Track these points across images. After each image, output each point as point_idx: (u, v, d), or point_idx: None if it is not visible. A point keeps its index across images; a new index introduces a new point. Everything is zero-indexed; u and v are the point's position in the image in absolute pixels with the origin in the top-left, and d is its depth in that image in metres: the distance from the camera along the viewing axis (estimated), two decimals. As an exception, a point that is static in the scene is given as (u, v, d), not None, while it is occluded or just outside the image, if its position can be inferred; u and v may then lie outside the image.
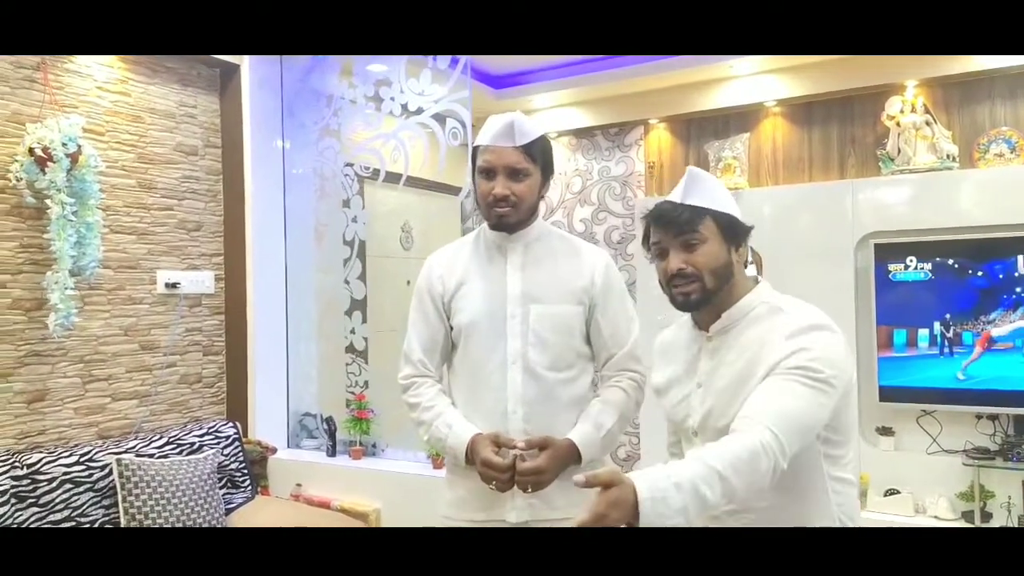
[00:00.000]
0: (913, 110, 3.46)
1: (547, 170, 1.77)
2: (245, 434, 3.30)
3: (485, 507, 1.74)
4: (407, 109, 3.14)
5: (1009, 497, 3.13)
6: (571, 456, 1.68)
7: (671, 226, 1.42)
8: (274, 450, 3.31)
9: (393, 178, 3.25)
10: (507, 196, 1.71)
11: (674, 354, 1.57)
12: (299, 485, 3.18)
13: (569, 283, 1.78)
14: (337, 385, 3.44)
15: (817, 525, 1.39)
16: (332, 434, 3.26)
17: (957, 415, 3.27)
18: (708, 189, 1.45)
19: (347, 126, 3.35)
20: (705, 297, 1.42)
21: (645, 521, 1.11)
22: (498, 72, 4.10)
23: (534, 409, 1.72)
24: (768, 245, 3.29)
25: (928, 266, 3.27)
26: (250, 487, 3.11)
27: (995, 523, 3.12)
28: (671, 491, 1.13)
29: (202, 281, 3.35)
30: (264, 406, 3.40)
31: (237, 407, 3.42)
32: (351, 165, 3.35)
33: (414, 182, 3.35)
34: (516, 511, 1.72)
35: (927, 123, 3.43)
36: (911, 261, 3.31)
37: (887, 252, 3.35)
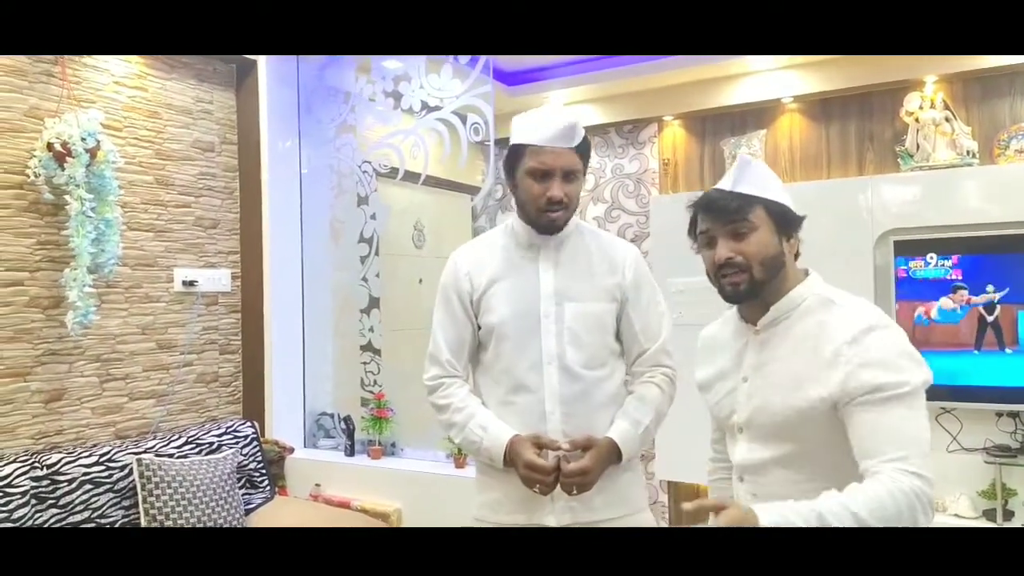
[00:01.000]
0: (932, 106, 3.44)
1: (586, 169, 1.76)
2: (262, 434, 3.27)
3: (523, 510, 1.70)
4: (427, 105, 3.11)
5: (1032, 494, 3.11)
6: (613, 455, 1.66)
7: (721, 214, 1.37)
8: (291, 450, 3.28)
9: (410, 176, 3.23)
10: (562, 199, 1.68)
11: (719, 349, 1.53)
12: (318, 485, 3.15)
13: (602, 279, 1.75)
14: (354, 384, 3.41)
15: None
16: (351, 433, 3.23)
17: (977, 413, 3.26)
18: (760, 177, 1.41)
19: (364, 123, 3.33)
20: (754, 288, 1.37)
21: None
22: (512, 69, 4.07)
23: (572, 409, 1.69)
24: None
25: (948, 263, 3.26)
26: (269, 487, 3.08)
27: (1016, 521, 3.10)
28: (792, 517, 1.09)
29: (219, 279, 3.32)
30: (281, 405, 3.37)
31: (254, 406, 3.38)
32: (368, 162, 3.32)
33: (427, 180, 3.32)
34: (556, 514, 1.68)
35: (946, 119, 3.41)
36: (931, 258, 3.30)
37: (907, 249, 3.34)
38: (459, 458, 2.93)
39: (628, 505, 1.73)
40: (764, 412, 1.38)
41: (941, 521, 3.19)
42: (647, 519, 1.77)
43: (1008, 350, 3.12)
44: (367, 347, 3.37)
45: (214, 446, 2.97)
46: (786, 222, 1.40)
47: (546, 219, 1.70)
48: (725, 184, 1.42)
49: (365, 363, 3.36)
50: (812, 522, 1.09)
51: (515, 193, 1.76)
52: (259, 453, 3.10)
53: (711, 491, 1.67)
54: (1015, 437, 3.21)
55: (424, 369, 1.82)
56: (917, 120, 3.47)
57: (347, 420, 3.28)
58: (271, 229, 3.36)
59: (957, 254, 3.24)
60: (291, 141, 3.45)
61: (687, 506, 1.11)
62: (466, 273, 1.78)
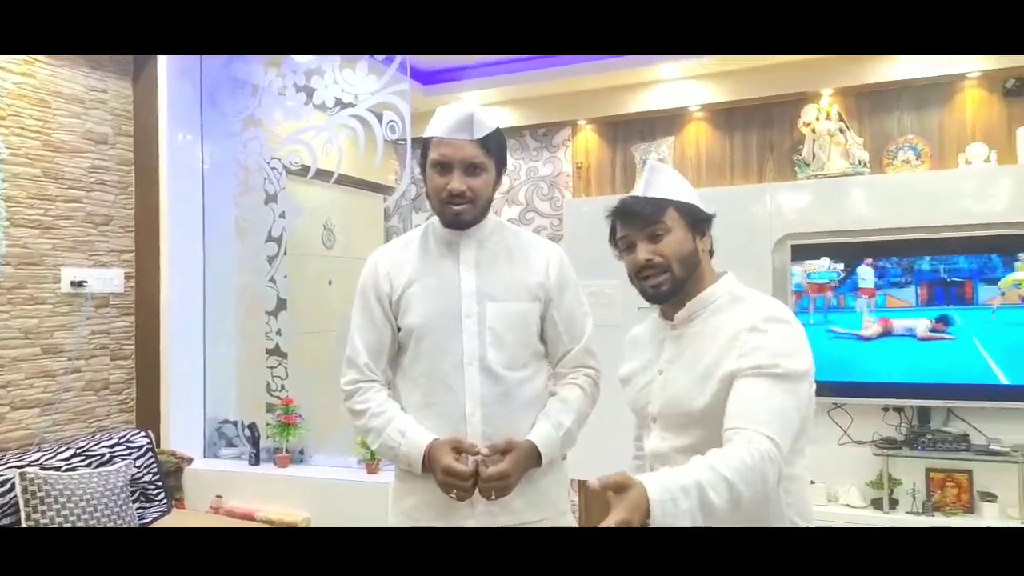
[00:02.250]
0: (828, 117, 3.63)
1: (501, 164, 1.72)
2: (158, 444, 3.10)
3: (442, 516, 1.66)
4: (341, 102, 3.02)
5: (914, 484, 3.32)
6: (533, 458, 1.64)
7: (636, 219, 1.45)
8: (190, 460, 3.12)
9: (322, 174, 3.13)
10: (463, 192, 1.64)
11: (642, 346, 1.59)
12: (219, 497, 3.01)
13: (524, 279, 1.73)
14: (259, 389, 3.27)
15: (768, 526, 1.40)
16: (255, 441, 3.10)
17: (866, 407, 3.46)
18: (668, 181, 1.50)
19: (273, 117, 3.20)
20: (675, 287, 1.45)
21: (655, 523, 1.10)
22: (428, 68, 4.02)
23: (493, 410, 1.66)
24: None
25: (840, 266, 3.45)
26: (165, 500, 2.92)
27: (901, 509, 3.31)
28: (679, 494, 1.12)
29: (111, 279, 3.12)
30: (178, 414, 3.20)
31: (148, 415, 3.20)
32: (278, 159, 3.20)
33: (339, 178, 3.23)
34: (476, 519, 1.66)
35: (840, 130, 3.61)
36: (824, 261, 3.48)
37: (803, 252, 3.51)
38: (372, 464, 2.87)
39: (550, 508, 1.72)
40: (675, 402, 1.44)
41: (833, 510, 3.37)
42: (569, 521, 1.77)
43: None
44: (274, 351, 3.24)
45: (105, 458, 2.80)
46: (697, 221, 1.49)
47: (449, 212, 1.67)
48: (638, 191, 1.49)
49: (272, 367, 3.23)
50: (694, 497, 1.14)
51: (424, 188, 1.73)
52: (154, 464, 2.94)
53: None
54: (900, 430, 3.42)
55: (341, 373, 1.76)
56: (813, 131, 3.65)
57: (251, 427, 3.14)
58: (169, 226, 3.18)
59: (849, 258, 3.43)
60: (192, 134, 3.29)
61: (592, 483, 1.13)
62: (385, 274, 1.74)
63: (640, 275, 1.45)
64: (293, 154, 3.18)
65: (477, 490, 1.59)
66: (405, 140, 2.97)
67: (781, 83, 3.70)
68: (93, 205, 3.07)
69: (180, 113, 3.22)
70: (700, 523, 1.14)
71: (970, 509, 3.22)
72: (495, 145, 1.68)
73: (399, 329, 1.73)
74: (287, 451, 3.06)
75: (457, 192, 1.64)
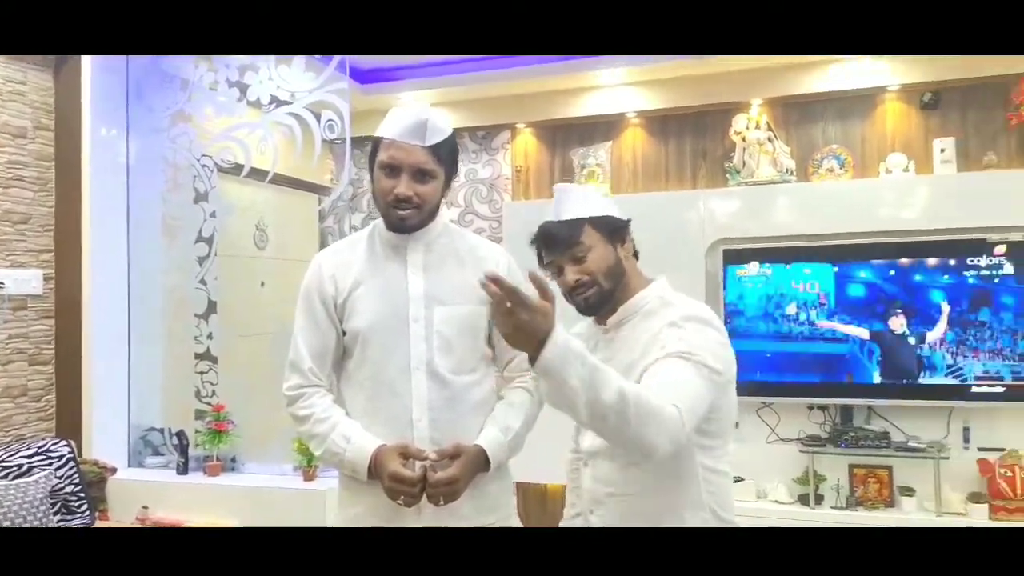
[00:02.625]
0: (757, 127, 3.75)
1: (452, 171, 1.70)
2: (79, 453, 2.95)
3: (388, 521, 1.64)
4: (277, 99, 2.94)
5: (838, 480, 3.47)
6: (481, 463, 1.64)
7: (557, 244, 1.53)
8: (113, 470, 2.99)
9: (255, 173, 3.05)
10: (410, 197, 1.62)
11: None
12: (146, 508, 2.89)
13: (473, 282, 1.72)
14: (186, 396, 3.15)
15: (687, 514, 1.47)
16: (184, 449, 2.98)
17: (793, 406, 3.59)
18: (577, 199, 1.57)
19: (204, 113, 3.09)
20: (603, 298, 1.53)
21: (545, 358, 1.18)
22: (365, 67, 3.96)
23: (440, 415, 1.65)
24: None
25: (770, 270, 3.57)
26: (88, 512, 2.79)
27: (826, 504, 3.44)
28: (576, 359, 1.20)
29: (29, 281, 2.96)
30: (101, 422, 3.06)
31: (69, 423, 3.05)
32: (209, 156, 3.09)
33: (272, 177, 3.14)
34: (423, 523, 1.63)
35: (769, 139, 3.73)
36: (754, 265, 3.60)
37: (734, 257, 3.62)
38: (308, 471, 2.80)
39: (497, 512, 1.72)
40: None
41: (762, 506, 3.48)
42: (515, 524, 1.77)
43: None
44: (204, 355, 3.13)
45: (23, 468, 2.65)
46: (614, 230, 1.56)
47: (394, 216, 1.65)
48: (551, 216, 1.56)
49: (202, 372, 3.12)
50: (587, 376, 1.20)
51: (371, 188, 1.71)
52: (76, 475, 2.80)
53: (568, 483, 1.71)
54: (824, 428, 3.56)
55: (284, 378, 1.71)
56: (744, 139, 3.77)
57: (179, 435, 3.02)
58: (92, 225, 3.04)
59: (778, 262, 3.55)
60: (117, 129, 3.14)
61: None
62: (330, 276, 1.70)
63: (572, 294, 1.53)
64: (225, 151, 3.07)
65: (424, 496, 1.57)
66: (344, 140, 2.91)
67: (713, 92, 3.81)
68: (10, 202, 2.90)
69: (104, 107, 3.08)
70: (579, 405, 1.21)
71: (891, 503, 3.38)
72: (446, 152, 1.66)
73: (344, 333, 1.70)
74: (218, 459, 2.96)
75: (404, 197, 1.61)
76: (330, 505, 2.65)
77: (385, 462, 1.56)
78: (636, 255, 1.61)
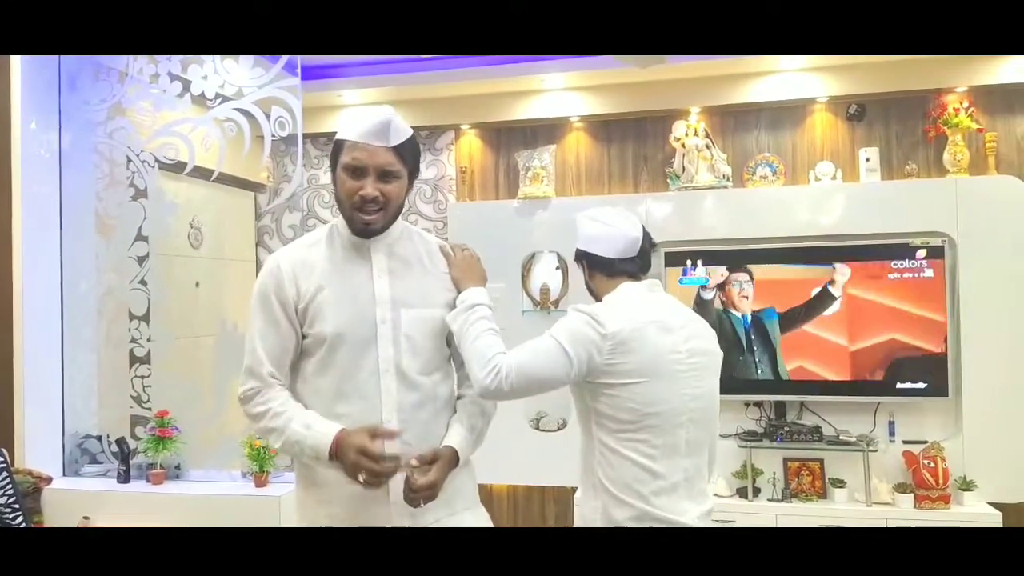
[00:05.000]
0: (696, 134, 3.88)
1: (415, 171, 1.71)
2: (12, 463, 2.78)
3: (362, 523, 1.64)
4: (223, 93, 2.85)
5: (774, 473, 3.63)
6: (454, 463, 1.67)
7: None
8: (49, 479, 2.83)
9: (198, 170, 2.94)
10: (376, 197, 1.62)
11: None
12: (86, 518, 2.75)
13: (437, 284, 1.75)
14: (124, 401, 3.02)
15: (583, 475, 1.79)
16: (125, 457, 2.86)
17: (731, 403, 3.73)
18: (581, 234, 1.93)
19: (144, 107, 2.96)
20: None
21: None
22: (306, 63, 3.87)
23: (410, 416, 1.66)
24: (572, 253, 3.51)
25: (703, 272, 3.71)
26: (22, 523, 2.63)
27: (763, 497, 3.60)
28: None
29: (-48, 281, 2.76)
30: (34, 429, 2.89)
31: (0, 432, 2.86)
32: (150, 152, 2.96)
33: (205, 174, 3.04)
34: (394, 519, 1.64)
35: (707, 146, 3.87)
36: (696, 267, 3.73)
37: (675, 259, 3.74)
38: (260, 476, 2.73)
39: (462, 501, 1.75)
40: None
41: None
42: (481, 513, 1.80)
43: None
44: (144, 359, 3.01)
45: (-51, 482, 2.47)
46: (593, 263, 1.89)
47: (359, 220, 1.64)
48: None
49: (143, 377, 2.99)
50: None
51: (334, 190, 1.70)
52: (9, 485, 2.64)
53: None
54: (760, 423, 3.72)
55: (240, 382, 1.68)
56: (683, 145, 3.89)
57: (120, 442, 2.89)
58: (23, 224, 2.87)
59: (715, 264, 3.69)
60: (48, 122, 2.98)
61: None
62: (291, 277, 1.67)
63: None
64: (166, 147, 2.96)
65: (393, 492, 1.59)
66: (296, 136, 2.84)
67: (653, 99, 3.92)
68: (-69, 198, 2.71)
69: (35, 98, 2.91)
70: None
71: (823, 495, 3.56)
72: (409, 152, 1.66)
73: (304, 336, 1.68)
74: (162, 467, 2.84)
75: (370, 198, 1.61)
76: (285, 512, 2.60)
77: (352, 439, 1.55)
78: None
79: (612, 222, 1.88)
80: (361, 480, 1.54)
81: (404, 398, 1.65)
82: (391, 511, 1.63)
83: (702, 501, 1.78)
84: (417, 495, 1.58)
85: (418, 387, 1.67)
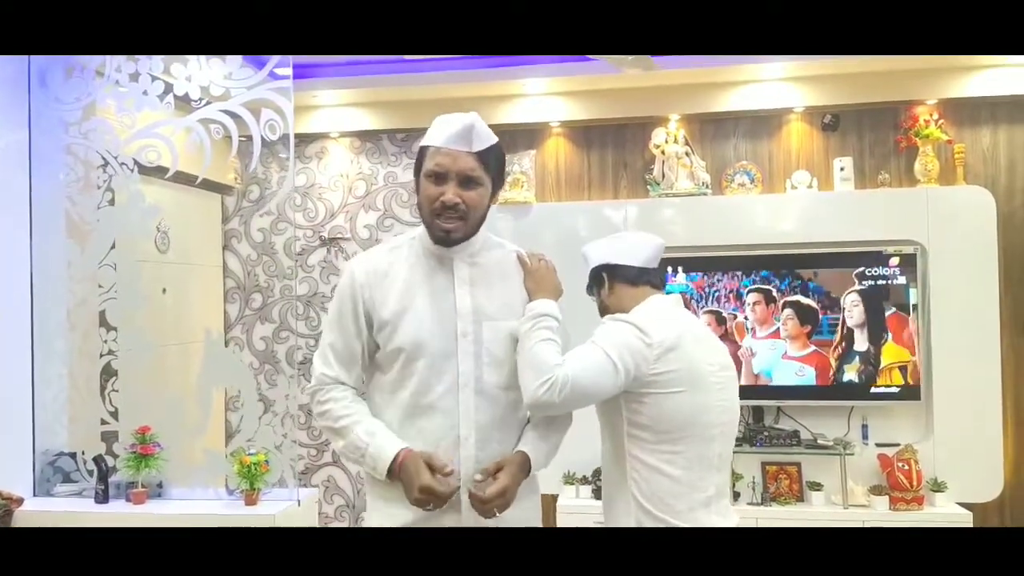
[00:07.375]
0: (675, 141, 3.92)
1: (498, 180, 1.70)
2: (-22, 484, 2.61)
3: (430, 518, 1.62)
4: (209, 93, 2.73)
5: (753, 477, 3.70)
6: (526, 468, 1.65)
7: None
8: (20, 501, 2.66)
9: (181, 175, 2.81)
10: (457, 204, 1.60)
11: None
12: (62, 541, 2.59)
13: (516, 296, 1.72)
14: (96, 415, 2.85)
15: (612, 491, 1.75)
16: (103, 476, 2.71)
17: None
18: (598, 248, 1.95)
19: (123, 107, 2.80)
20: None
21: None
22: (283, 63, 3.75)
23: (488, 434, 1.64)
24: (552, 257, 3.49)
25: (682, 278, 3.75)
26: (-8, 551, 2.46)
27: (742, 501, 3.66)
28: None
29: (-88, 291, 2.57)
30: (3, 448, 2.71)
31: (-41, 451, 2.68)
32: (128, 154, 2.81)
33: (176, 176, 2.91)
34: (462, 515, 1.63)
35: (687, 153, 3.91)
36: (678, 273, 3.76)
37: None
38: (251, 494, 2.62)
39: (522, 502, 1.70)
40: None
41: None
42: (536, 501, 1.78)
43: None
44: (118, 371, 2.85)
45: (-85, 508, 2.30)
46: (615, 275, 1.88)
47: (439, 228, 1.62)
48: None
49: (118, 391, 2.84)
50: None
51: (417, 198, 1.69)
52: (-22, 510, 2.47)
53: None
54: (739, 428, 3.77)
55: (311, 381, 1.70)
56: (663, 152, 3.92)
57: (98, 460, 2.74)
58: (-11, 228, 2.69)
59: (695, 271, 3.74)
60: (18, 121, 2.80)
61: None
62: (367, 285, 1.66)
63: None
64: (147, 150, 2.81)
65: (465, 501, 1.60)
66: (288, 137, 2.74)
67: (633, 106, 3.94)
68: None
69: (4, 96, 2.73)
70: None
71: (801, 498, 3.64)
72: (494, 159, 1.65)
73: (378, 347, 1.66)
74: (143, 485, 2.71)
75: (451, 204, 1.59)
76: (280, 530, 2.51)
77: (416, 472, 1.54)
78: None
79: (630, 237, 1.92)
80: (427, 509, 1.57)
81: (483, 415, 1.63)
82: (461, 519, 1.62)
83: (729, 516, 1.80)
84: (489, 506, 1.56)
85: (498, 403, 1.65)
